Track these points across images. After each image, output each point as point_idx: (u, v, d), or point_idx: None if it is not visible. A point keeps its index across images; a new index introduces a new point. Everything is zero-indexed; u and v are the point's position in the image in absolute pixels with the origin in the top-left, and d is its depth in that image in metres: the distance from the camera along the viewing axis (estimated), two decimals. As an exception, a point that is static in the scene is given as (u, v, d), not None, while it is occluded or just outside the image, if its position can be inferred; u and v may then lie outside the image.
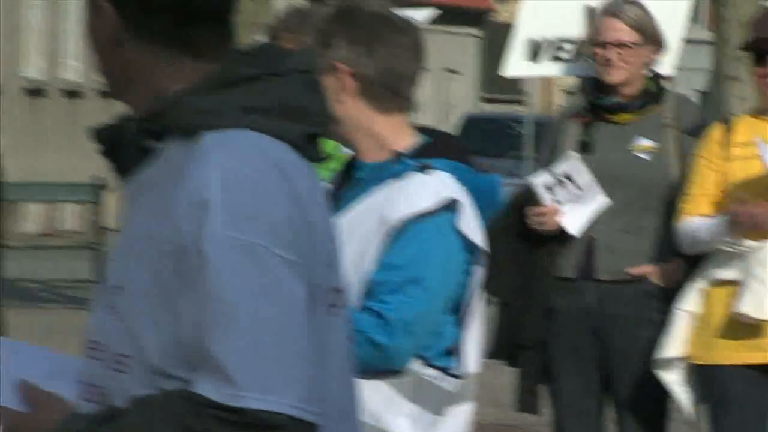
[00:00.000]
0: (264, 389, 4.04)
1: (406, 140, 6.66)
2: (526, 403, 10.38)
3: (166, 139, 4.21)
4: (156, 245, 4.16)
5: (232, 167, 4.11)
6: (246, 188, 4.11)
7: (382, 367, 6.42)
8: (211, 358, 4.05)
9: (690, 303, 9.89)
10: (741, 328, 9.76)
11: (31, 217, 41.69)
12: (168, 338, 4.15)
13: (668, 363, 9.88)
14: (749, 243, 9.68)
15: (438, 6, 62.41)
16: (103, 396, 4.23)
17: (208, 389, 4.04)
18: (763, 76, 9.92)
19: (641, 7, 10.40)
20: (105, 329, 4.25)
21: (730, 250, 9.75)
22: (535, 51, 11.21)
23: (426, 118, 58.61)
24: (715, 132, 10.10)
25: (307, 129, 4.24)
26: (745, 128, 10.03)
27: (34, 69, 44.13)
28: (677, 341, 9.86)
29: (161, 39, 4.23)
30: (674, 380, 9.91)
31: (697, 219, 9.87)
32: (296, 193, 4.17)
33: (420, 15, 11.63)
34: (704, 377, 9.91)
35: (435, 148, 6.65)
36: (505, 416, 10.71)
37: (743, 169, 9.83)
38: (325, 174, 6.61)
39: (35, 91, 43.97)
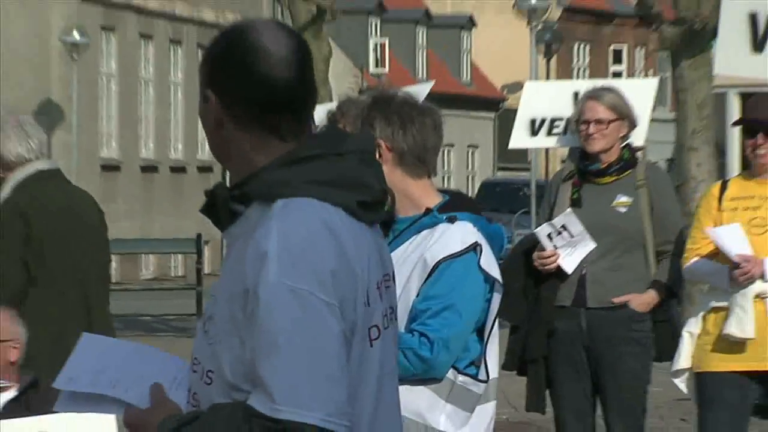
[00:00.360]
0: (297, 405, 4.10)
1: (432, 199, 6.57)
2: (534, 404, 10.17)
3: (249, 203, 4.26)
4: (233, 286, 4.21)
5: (289, 227, 4.17)
6: (297, 244, 4.16)
7: (426, 376, 6.40)
8: (260, 378, 4.13)
9: (693, 326, 9.67)
10: (729, 344, 9.56)
11: (147, 266, 41.57)
12: (236, 360, 4.20)
13: (679, 372, 9.71)
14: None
15: (462, 96, 63.30)
16: (197, 402, 4.30)
17: (256, 403, 4.12)
18: (751, 146, 9.64)
19: (616, 92, 10.21)
20: (200, 349, 4.30)
21: (725, 287, 9.53)
22: (534, 128, 10.93)
23: (453, 183, 58.75)
24: (714, 188, 9.95)
25: (360, 197, 4.28)
26: (736, 186, 9.80)
27: (147, 150, 44.03)
28: (686, 355, 9.67)
29: (253, 124, 4.30)
30: (682, 382, 9.76)
31: (698, 260, 9.63)
32: (342, 249, 4.20)
33: (422, 89, 11.55)
34: (701, 382, 9.69)
35: (455, 204, 6.58)
36: (518, 415, 10.48)
37: (730, 218, 9.59)
38: None
39: (148, 168, 43.90)
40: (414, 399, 6.34)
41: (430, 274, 6.38)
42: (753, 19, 5.98)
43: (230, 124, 4.30)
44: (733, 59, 6.05)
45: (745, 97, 11.48)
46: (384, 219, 4.41)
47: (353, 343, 4.21)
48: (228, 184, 4.36)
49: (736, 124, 10.11)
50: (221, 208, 4.31)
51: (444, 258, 6.37)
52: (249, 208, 4.26)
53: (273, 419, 4.10)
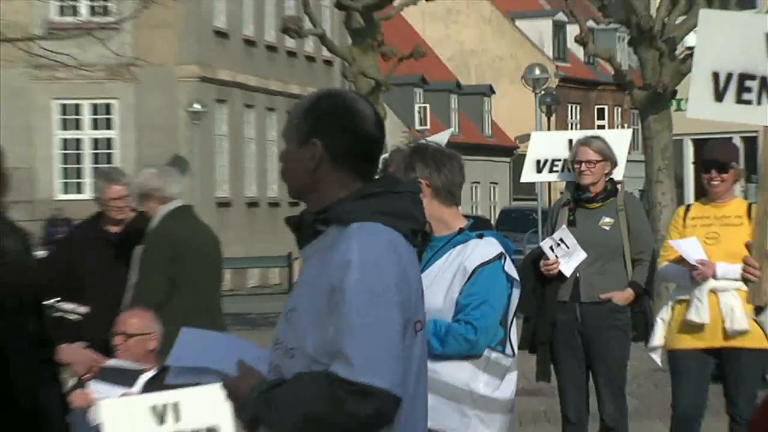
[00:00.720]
0: (372, 373, 4.11)
1: (460, 222, 6.58)
2: (542, 375, 10.12)
3: (329, 225, 4.28)
4: (317, 287, 4.22)
5: (366, 244, 4.21)
6: (373, 256, 4.19)
7: (469, 353, 6.38)
8: (342, 353, 4.12)
9: (665, 313, 9.65)
10: (691, 327, 9.52)
11: (251, 277, 41.48)
12: (318, 340, 4.19)
13: (655, 349, 9.72)
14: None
15: (485, 146, 63.20)
16: (279, 373, 4.27)
17: (339, 370, 4.11)
18: (707, 179, 9.70)
19: (602, 139, 10.14)
20: (283, 333, 4.30)
21: (688, 285, 9.51)
22: (539, 166, 10.91)
23: (479, 211, 58.52)
24: (680, 210, 9.99)
25: (411, 226, 4.33)
26: (696, 209, 9.82)
27: (250, 191, 43.98)
28: (659, 335, 9.66)
29: (345, 166, 4.32)
30: (657, 356, 9.76)
31: (668, 264, 9.65)
32: (402, 262, 4.24)
33: (443, 136, 11.53)
34: (672, 356, 9.69)
35: (478, 225, 6.61)
36: (530, 384, 10.41)
37: (691, 233, 9.57)
38: None
39: (251, 204, 43.85)
40: (459, 371, 6.37)
41: (469, 278, 6.36)
42: (715, 76, 5.89)
43: (328, 165, 4.30)
44: (701, 107, 5.96)
45: (698, 143, 11.46)
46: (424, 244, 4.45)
47: (407, 333, 4.22)
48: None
49: (697, 163, 10.14)
50: (307, 227, 4.31)
51: (479, 264, 6.37)
52: (328, 228, 4.25)
53: (352, 382, 4.08)
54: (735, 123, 6.28)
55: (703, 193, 10.11)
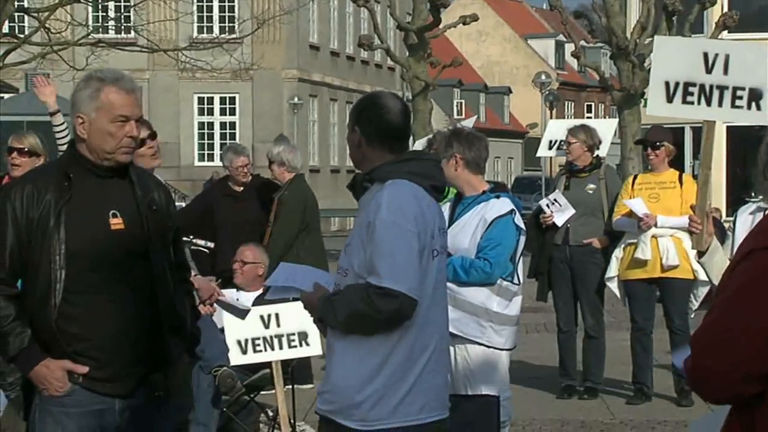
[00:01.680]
0: (393, 280, 4.10)
1: (484, 186, 6.47)
2: (541, 296, 10.06)
3: (373, 183, 4.27)
4: (362, 223, 4.20)
5: (393, 192, 4.19)
6: (397, 200, 4.17)
7: (487, 281, 6.29)
8: (375, 268, 4.12)
9: (618, 252, 9.58)
10: (638, 262, 9.46)
11: (334, 223, 41.54)
12: (361, 261, 4.17)
13: (610, 278, 9.62)
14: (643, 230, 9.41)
15: (505, 131, 63.08)
16: (340, 289, 4.27)
17: (372, 280, 4.12)
18: (646, 155, 9.70)
19: (586, 128, 9.98)
20: (342, 260, 4.29)
21: (635, 232, 9.42)
22: (551, 144, 10.92)
23: (500, 178, 58.29)
24: (629, 179, 9.86)
25: (431, 183, 4.30)
26: (640, 178, 9.76)
27: (333, 161, 44.00)
28: (614, 269, 9.58)
29: (376, 145, 4.29)
30: (613, 285, 9.64)
31: (620, 217, 9.55)
32: (421, 207, 4.22)
33: (470, 121, 11.54)
34: (625, 286, 9.59)
35: (497, 188, 6.52)
36: (533, 303, 10.40)
37: (638, 194, 9.46)
38: (449, 198, 6.59)
39: (334, 170, 43.91)
40: (479, 294, 6.30)
41: (488, 227, 6.30)
42: (666, 84, 5.88)
43: (366, 145, 4.31)
44: (656, 107, 5.95)
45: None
46: (442, 198, 4.46)
47: (424, 255, 4.20)
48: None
49: (636, 143, 9.96)
50: (359, 185, 4.30)
51: (496, 217, 6.31)
52: (373, 185, 4.26)
53: (381, 287, 4.08)
54: (684, 117, 6.27)
55: (646, 166, 10.15)
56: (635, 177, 9.84)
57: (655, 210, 9.36)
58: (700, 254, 5.57)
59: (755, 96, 5.76)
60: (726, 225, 8.48)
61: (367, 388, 4.17)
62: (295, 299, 4.53)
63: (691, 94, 5.79)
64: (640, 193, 9.48)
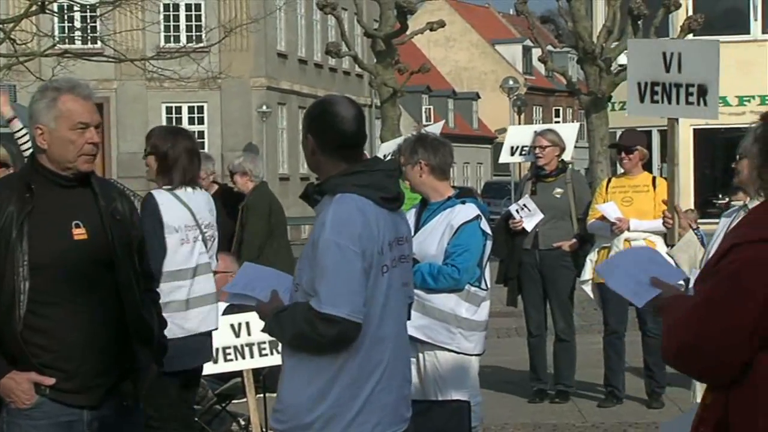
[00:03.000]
0: (333, 305, 4.02)
1: (449, 191, 6.43)
2: (511, 301, 10.06)
3: (324, 195, 4.20)
4: (311, 240, 4.12)
5: (338, 208, 4.10)
6: (341, 218, 4.08)
7: (455, 288, 6.26)
8: (315, 290, 4.05)
9: (593, 255, 9.55)
10: None
11: (305, 231, 41.43)
12: (308, 278, 4.09)
13: (585, 281, 9.59)
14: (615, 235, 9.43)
15: (474, 136, 63.21)
16: (293, 302, 4.21)
17: (313, 303, 4.04)
18: (619, 159, 9.67)
19: (553, 131, 10.04)
20: (296, 272, 4.22)
21: (608, 236, 9.41)
22: (513, 150, 10.82)
23: (470, 183, 58.39)
24: (603, 182, 9.90)
25: (382, 194, 4.19)
26: (614, 181, 9.75)
27: (303, 169, 43.88)
28: (588, 272, 9.55)
29: (329, 153, 4.22)
30: (588, 288, 9.62)
31: (594, 221, 9.53)
32: (367, 222, 4.10)
33: (437, 126, 11.50)
34: (599, 288, 9.51)
35: (462, 193, 6.47)
36: (503, 308, 10.36)
37: (611, 198, 9.47)
38: (411, 204, 6.56)
39: (304, 178, 43.85)
40: (447, 300, 6.27)
41: (455, 233, 6.26)
42: (639, 85, 5.95)
43: (319, 153, 4.22)
44: (633, 107, 6.01)
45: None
46: (398, 207, 4.30)
47: (371, 273, 4.09)
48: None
49: (611, 146, 10.01)
50: (310, 197, 4.23)
51: (462, 223, 6.27)
52: (323, 197, 4.17)
53: (321, 312, 4.01)
54: (653, 118, 6.33)
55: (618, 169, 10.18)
56: (609, 180, 9.86)
57: (629, 213, 9.37)
58: (671, 246, 5.65)
59: (703, 92, 5.85)
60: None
61: (317, 408, 4.10)
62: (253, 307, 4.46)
63: (656, 93, 5.86)
64: (613, 196, 9.50)
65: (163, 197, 5.91)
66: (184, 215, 6.14)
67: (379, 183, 4.19)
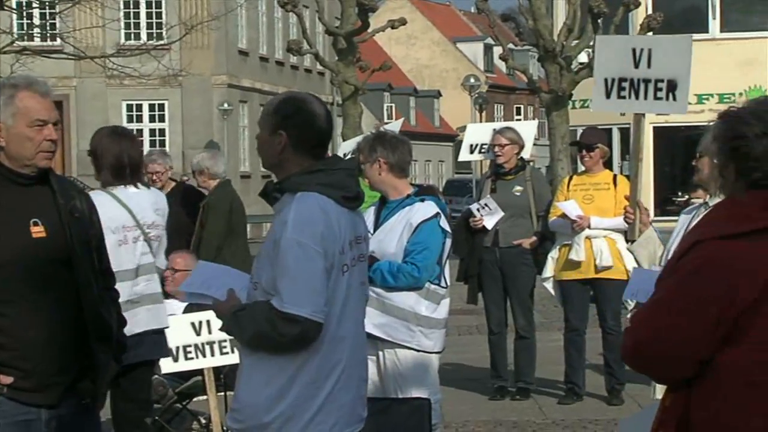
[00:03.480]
0: (295, 304, 4.01)
1: (408, 189, 6.41)
2: (472, 299, 10.02)
3: (283, 193, 4.19)
4: (272, 239, 4.09)
5: (300, 207, 4.09)
6: (303, 217, 4.07)
7: (415, 285, 6.24)
8: (277, 289, 4.03)
9: (554, 253, 9.58)
10: (572, 263, 9.47)
11: (265, 229, 41.33)
12: (268, 277, 4.06)
13: (546, 279, 9.60)
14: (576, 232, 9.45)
15: (436, 134, 63.29)
16: (250, 301, 4.17)
17: (274, 302, 4.03)
18: (581, 157, 9.69)
19: (512, 129, 10.04)
20: (254, 270, 4.18)
21: (569, 233, 9.42)
22: (472, 149, 10.78)
23: (432, 181, 58.46)
24: (565, 180, 9.92)
25: (342, 194, 4.18)
26: (576, 179, 9.76)
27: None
28: (549, 269, 9.57)
29: (305, 152, 4.20)
30: (549, 285, 9.62)
31: (555, 218, 9.53)
32: (329, 221, 4.09)
33: (396, 125, 11.48)
34: (560, 286, 9.58)
35: (422, 191, 6.46)
36: (464, 306, 10.35)
37: (572, 196, 9.50)
38: (370, 202, 6.42)
39: (266, 176, 43.73)
40: (407, 298, 6.25)
41: (414, 231, 6.23)
42: (605, 81, 6.00)
43: (290, 150, 4.19)
44: (599, 103, 6.06)
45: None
46: (358, 206, 4.30)
47: (332, 273, 4.08)
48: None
49: (571, 144, 9.99)
50: (270, 195, 4.20)
51: (422, 221, 6.25)
52: (283, 196, 4.16)
53: (282, 312, 4.00)
54: (614, 116, 6.39)
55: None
56: (570, 178, 9.88)
57: (589, 211, 9.40)
58: (633, 242, 5.70)
59: (672, 87, 5.91)
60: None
61: (275, 408, 4.07)
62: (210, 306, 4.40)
63: (624, 89, 5.92)
64: (574, 194, 9.52)
65: (99, 198, 5.86)
66: (122, 216, 6.11)
67: (340, 182, 4.18)
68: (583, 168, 9.83)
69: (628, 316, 9.70)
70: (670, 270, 3.17)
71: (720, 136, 3.20)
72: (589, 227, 9.37)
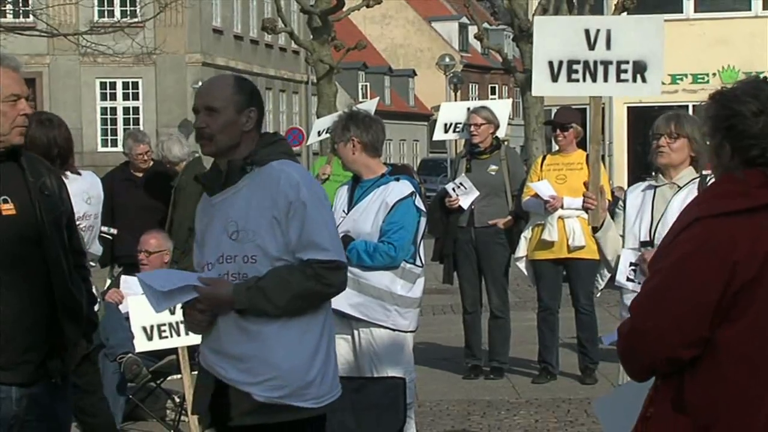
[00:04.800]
0: (337, 252, 4.21)
1: (382, 168, 6.38)
2: (447, 279, 9.98)
3: (252, 167, 4.22)
4: (264, 208, 4.13)
5: (299, 171, 4.23)
6: (309, 178, 4.24)
7: (391, 265, 6.23)
8: (316, 243, 4.14)
9: (527, 233, 9.58)
10: (545, 243, 9.48)
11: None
12: (280, 243, 4.13)
13: (519, 258, 9.61)
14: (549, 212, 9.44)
15: (410, 114, 63.19)
16: (246, 277, 4.16)
17: (315, 255, 4.14)
18: (555, 136, 9.70)
19: (487, 108, 10.00)
20: (230, 250, 4.18)
21: (542, 213, 9.42)
22: (447, 128, 10.76)
23: (406, 160, 58.39)
24: (538, 160, 9.88)
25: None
26: (549, 159, 9.75)
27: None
28: (522, 249, 9.58)
29: (258, 127, 4.29)
30: (522, 265, 9.62)
31: (528, 198, 9.52)
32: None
33: (371, 104, 11.41)
34: (533, 265, 9.60)
35: (396, 171, 6.43)
36: (439, 285, 10.32)
37: (546, 176, 9.48)
38: (342, 181, 6.48)
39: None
40: (383, 278, 6.23)
41: (390, 210, 6.20)
42: (550, 64, 5.91)
43: (254, 128, 4.28)
44: (541, 87, 5.97)
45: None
46: None
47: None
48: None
49: (545, 123, 10.00)
50: (238, 171, 4.20)
51: (397, 200, 6.22)
52: (251, 171, 4.20)
53: (329, 261, 4.13)
54: (572, 97, 6.33)
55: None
56: (544, 158, 9.87)
57: (562, 191, 9.40)
58: (595, 230, 5.66)
59: (640, 68, 5.82)
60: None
61: (314, 364, 4.18)
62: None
63: (576, 71, 5.82)
64: (548, 174, 9.52)
65: None
66: None
67: (291, 151, 4.36)
68: (557, 147, 9.83)
69: (597, 295, 9.79)
70: (667, 250, 3.12)
71: (715, 116, 3.16)
72: (562, 207, 9.38)
